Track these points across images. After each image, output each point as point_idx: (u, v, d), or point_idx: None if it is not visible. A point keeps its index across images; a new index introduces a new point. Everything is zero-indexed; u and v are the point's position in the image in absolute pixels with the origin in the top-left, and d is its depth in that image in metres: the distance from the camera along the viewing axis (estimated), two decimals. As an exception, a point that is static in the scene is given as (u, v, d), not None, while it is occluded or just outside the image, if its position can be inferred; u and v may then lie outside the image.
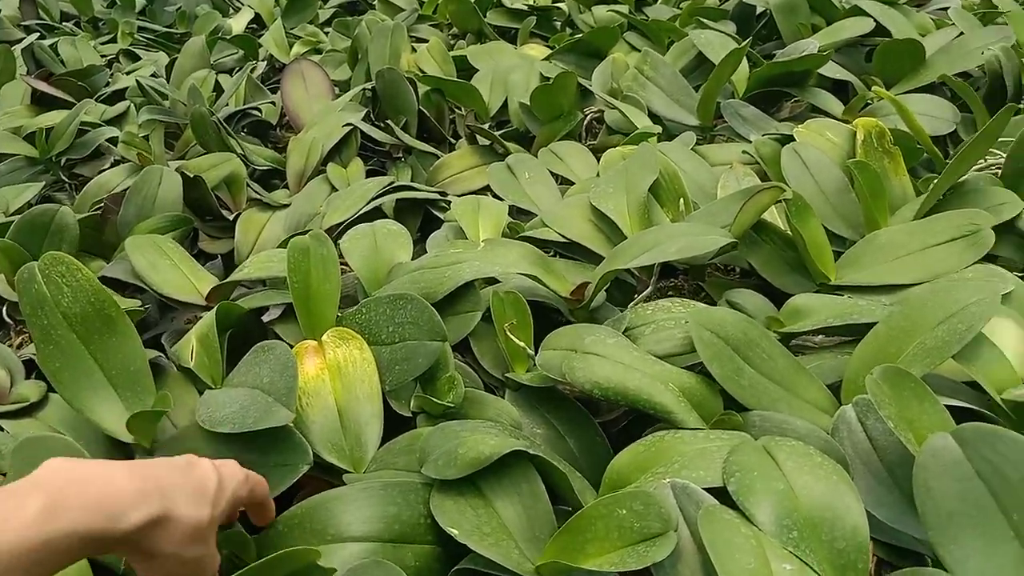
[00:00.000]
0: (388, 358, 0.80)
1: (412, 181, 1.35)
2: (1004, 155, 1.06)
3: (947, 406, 0.66)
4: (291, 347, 0.78)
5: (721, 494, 0.61)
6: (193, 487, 0.53)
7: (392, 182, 1.22)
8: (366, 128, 1.44)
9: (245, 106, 1.68)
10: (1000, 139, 1.04)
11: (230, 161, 1.36)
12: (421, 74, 1.59)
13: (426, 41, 1.79)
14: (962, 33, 1.44)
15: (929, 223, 0.95)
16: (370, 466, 0.72)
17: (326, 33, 2.12)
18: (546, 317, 0.89)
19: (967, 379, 0.74)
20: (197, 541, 0.53)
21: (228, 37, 2.13)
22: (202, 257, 1.26)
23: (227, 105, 1.66)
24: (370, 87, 1.58)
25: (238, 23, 2.29)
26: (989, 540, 0.54)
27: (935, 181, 1.01)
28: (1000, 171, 1.04)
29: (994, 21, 1.51)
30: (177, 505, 0.51)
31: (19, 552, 0.43)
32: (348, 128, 1.43)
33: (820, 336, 0.87)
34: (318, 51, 2.01)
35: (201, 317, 0.90)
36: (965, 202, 0.99)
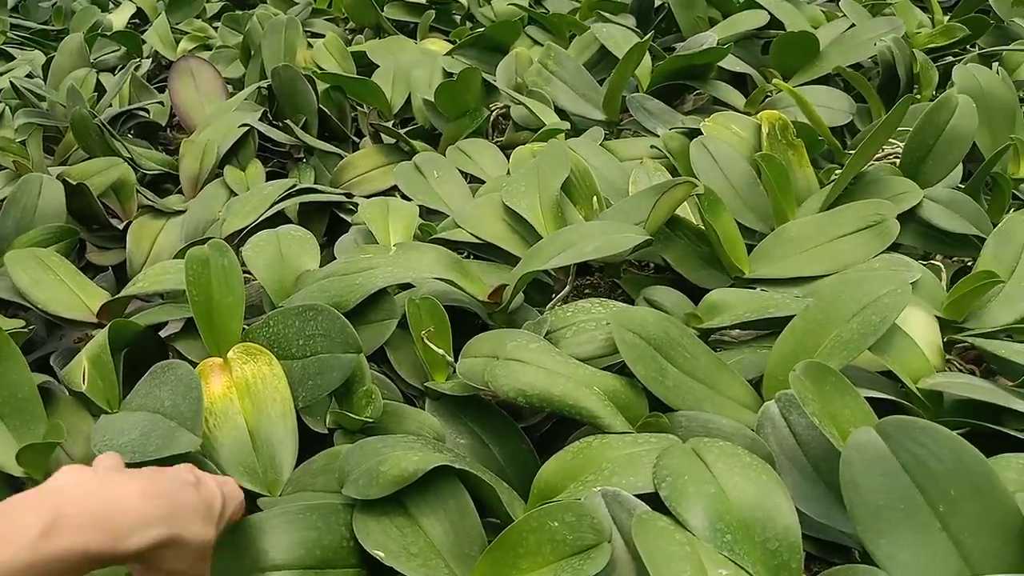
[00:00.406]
0: (300, 373, 0.76)
1: (315, 183, 1.30)
2: (900, 144, 1.09)
3: (866, 398, 0.67)
4: (194, 365, 0.74)
5: (652, 499, 0.60)
6: (204, 507, 0.54)
7: (294, 184, 1.17)
8: (264, 128, 1.38)
9: (131, 107, 1.59)
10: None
11: (117, 166, 1.29)
12: (319, 71, 1.53)
13: (322, 36, 1.73)
14: (853, 25, 1.49)
15: (835, 214, 0.97)
16: (286, 488, 0.69)
17: (215, 28, 2.04)
18: (464, 322, 0.86)
19: (882, 369, 0.75)
20: (204, 559, 0.55)
21: (109, 33, 2.02)
22: (91, 270, 1.19)
23: (111, 106, 1.56)
24: (266, 85, 1.51)
25: (119, 18, 2.17)
26: (918, 533, 0.55)
27: (839, 172, 1.03)
28: (899, 160, 1.07)
29: (882, 12, 1.56)
30: (189, 526, 0.52)
31: (12, 571, 0.44)
32: (244, 128, 1.36)
33: (737, 331, 0.88)
34: (207, 47, 1.92)
35: (93, 335, 0.85)
36: (867, 192, 1.01)
